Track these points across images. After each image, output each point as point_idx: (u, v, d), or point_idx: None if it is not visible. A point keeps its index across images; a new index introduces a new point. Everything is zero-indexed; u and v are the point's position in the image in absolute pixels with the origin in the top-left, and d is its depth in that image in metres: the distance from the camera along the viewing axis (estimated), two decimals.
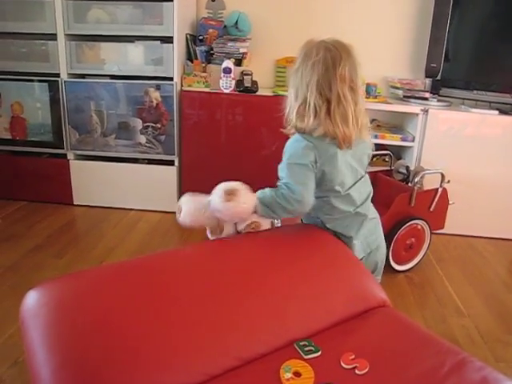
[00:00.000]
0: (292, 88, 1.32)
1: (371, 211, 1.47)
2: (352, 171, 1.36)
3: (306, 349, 1.04)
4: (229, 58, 2.65)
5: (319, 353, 1.03)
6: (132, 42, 2.64)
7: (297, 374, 0.96)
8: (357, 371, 0.97)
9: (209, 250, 1.30)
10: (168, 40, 2.59)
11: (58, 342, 0.93)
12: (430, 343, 1.07)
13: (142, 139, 2.74)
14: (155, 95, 2.65)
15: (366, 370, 0.97)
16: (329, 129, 1.26)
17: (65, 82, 2.68)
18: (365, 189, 1.44)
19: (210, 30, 2.77)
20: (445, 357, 1.03)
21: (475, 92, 2.81)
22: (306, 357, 1.02)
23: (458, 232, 2.78)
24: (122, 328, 0.97)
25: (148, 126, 2.71)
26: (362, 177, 1.42)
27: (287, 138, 2.71)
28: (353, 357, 1.00)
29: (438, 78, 2.82)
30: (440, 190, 2.30)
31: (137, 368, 0.91)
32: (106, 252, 2.36)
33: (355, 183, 1.38)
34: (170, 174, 2.79)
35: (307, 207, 1.31)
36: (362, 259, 1.41)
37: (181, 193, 2.82)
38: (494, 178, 2.74)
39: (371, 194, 1.47)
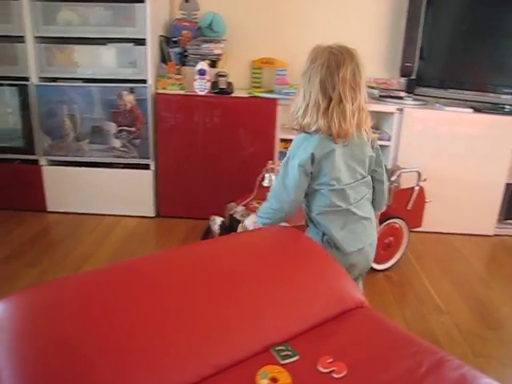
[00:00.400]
0: (301, 89, 1.42)
1: (366, 211, 1.50)
2: (349, 170, 1.43)
3: (283, 353, 1.02)
4: (203, 60, 2.62)
5: (296, 357, 1.01)
6: (104, 44, 2.59)
7: (273, 380, 0.94)
8: (334, 375, 0.95)
9: (185, 256, 1.27)
10: (141, 42, 2.55)
11: (23, 359, 0.88)
12: (408, 343, 1.06)
13: (117, 143, 2.69)
14: (129, 98, 2.61)
15: (344, 373, 0.96)
16: (326, 124, 1.35)
17: (35, 85, 2.61)
18: (362, 189, 1.48)
19: (184, 32, 2.74)
20: (423, 357, 1.02)
21: (450, 91, 2.84)
22: (282, 362, 0.99)
23: (435, 229, 2.80)
24: (92, 341, 0.93)
25: (122, 130, 2.66)
26: (364, 177, 1.48)
27: (265, 139, 2.72)
28: (330, 360, 0.99)
29: (413, 77, 2.84)
30: (417, 188, 2.31)
31: (109, 379, 0.88)
32: (81, 259, 2.30)
33: (353, 182, 1.44)
34: (146, 178, 2.75)
35: (296, 205, 1.44)
36: (352, 253, 1.43)
37: (158, 197, 2.79)
38: (470, 175, 2.77)
39: (368, 195, 1.51)
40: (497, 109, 2.83)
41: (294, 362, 1.00)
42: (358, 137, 1.42)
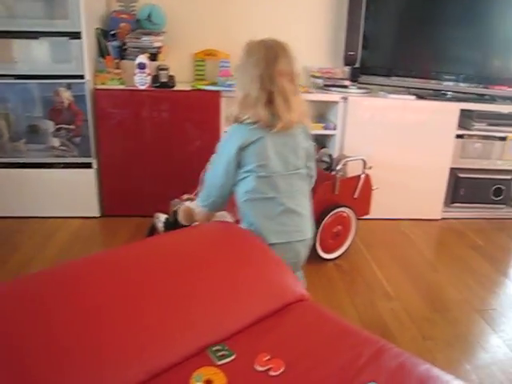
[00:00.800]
0: (237, 83, 1.48)
1: (300, 206, 1.49)
2: (281, 159, 1.43)
3: (219, 354, 0.98)
4: (143, 53, 2.53)
5: (233, 357, 0.97)
6: (36, 38, 2.46)
7: (208, 382, 0.90)
8: (271, 373, 0.93)
9: (116, 259, 1.21)
10: (76, 36, 2.42)
11: None
12: (348, 335, 1.04)
13: (56, 142, 2.57)
14: (66, 95, 2.49)
15: (281, 370, 0.93)
16: (268, 117, 1.39)
17: None
18: (297, 182, 1.48)
19: (122, 24, 2.64)
20: (362, 347, 1.00)
21: (393, 78, 2.87)
22: (218, 362, 0.96)
23: (384, 216, 2.84)
24: (31, 342, 0.87)
25: (61, 128, 2.54)
26: (298, 169, 1.48)
27: (210, 132, 2.66)
28: (268, 358, 0.96)
29: (357, 65, 2.85)
30: (362, 176, 2.32)
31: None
32: (20, 265, 2.18)
33: (285, 172, 1.44)
34: (89, 177, 2.64)
35: (224, 192, 1.48)
36: (275, 245, 1.40)
37: (102, 196, 2.69)
38: (416, 161, 2.81)
39: (303, 190, 1.52)
40: (439, 95, 2.89)
41: (230, 361, 0.96)
42: (294, 127, 1.44)
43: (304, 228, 1.49)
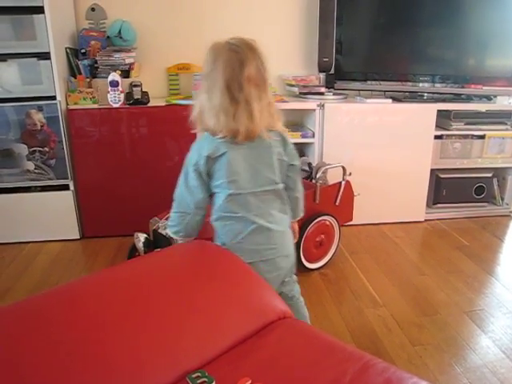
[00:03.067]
0: (203, 89, 1.35)
1: (275, 222, 1.40)
2: (253, 174, 1.34)
3: (199, 381, 0.94)
4: (115, 71, 2.50)
5: (213, 383, 0.93)
6: (4, 60, 2.41)
7: None
8: None
9: (91, 286, 1.16)
10: (45, 56, 2.38)
11: None
12: (332, 352, 1.01)
13: (30, 166, 2.51)
14: (38, 117, 2.44)
15: None
16: (233, 127, 1.29)
17: None
18: (271, 198, 1.39)
19: (93, 42, 2.60)
20: (347, 365, 0.97)
21: (369, 83, 2.87)
22: None
23: (368, 221, 2.82)
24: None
25: (35, 151, 2.49)
26: (274, 184, 1.38)
27: (188, 147, 2.61)
28: (249, 382, 0.92)
29: (332, 71, 2.84)
30: (343, 183, 2.30)
31: None
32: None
33: (258, 189, 1.35)
34: (66, 199, 2.58)
35: (200, 205, 1.38)
36: (249, 263, 1.33)
37: (81, 218, 2.63)
38: (397, 165, 2.81)
39: (279, 206, 1.42)
40: (416, 97, 2.89)
41: None
42: (266, 137, 1.34)
43: (280, 244, 1.41)
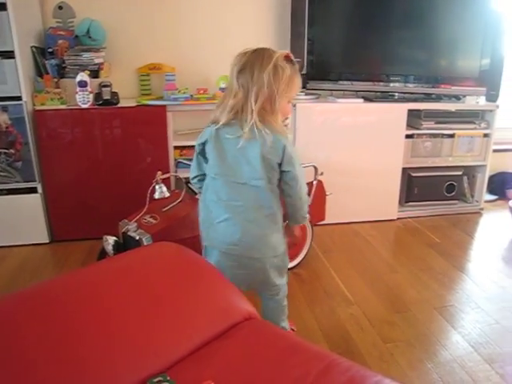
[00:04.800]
0: (256, 86, 1.35)
1: (251, 220, 1.42)
2: (234, 163, 1.39)
3: None
4: (83, 71, 2.45)
5: None
6: None
7: None
8: None
9: (51, 290, 1.13)
10: (9, 55, 2.32)
11: None
12: (297, 352, 1.00)
13: None
14: (3, 118, 2.37)
15: None
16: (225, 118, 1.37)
17: None
18: (247, 193, 1.41)
19: (60, 41, 2.55)
20: (311, 365, 0.96)
21: (341, 83, 2.88)
22: None
23: (340, 220, 2.84)
24: None
25: (0, 153, 2.42)
26: (253, 180, 1.39)
27: (159, 148, 2.59)
28: None
29: (304, 72, 2.85)
30: (315, 182, 2.30)
31: None
32: None
33: (234, 178, 1.40)
34: (34, 202, 2.52)
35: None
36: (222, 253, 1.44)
37: (50, 221, 2.58)
38: (369, 164, 2.83)
39: (255, 204, 1.43)
40: (387, 97, 2.92)
41: None
42: (259, 136, 1.35)
43: (251, 244, 1.44)
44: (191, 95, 2.58)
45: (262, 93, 1.33)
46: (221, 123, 1.37)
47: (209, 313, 1.07)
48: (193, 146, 2.73)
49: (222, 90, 2.61)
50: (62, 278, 1.22)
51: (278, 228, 1.51)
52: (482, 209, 3.20)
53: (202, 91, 2.60)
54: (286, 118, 1.54)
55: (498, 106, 2.98)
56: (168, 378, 0.93)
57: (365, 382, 0.92)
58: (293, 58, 1.42)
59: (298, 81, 1.44)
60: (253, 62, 1.36)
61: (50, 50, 2.54)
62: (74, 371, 0.91)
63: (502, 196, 3.39)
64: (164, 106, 2.49)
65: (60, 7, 2.63)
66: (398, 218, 3.00)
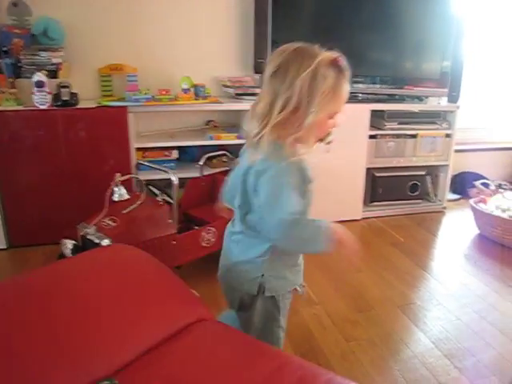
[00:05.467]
0: (286, 93, 1.09)
1: (237, 248, 1.24)
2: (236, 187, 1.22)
3: None
4: (40, 71, 2.38)
5: None
6: None
7: None
8: None
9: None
10: None
11: None
12: (248, 352, 0.98)
13: None
14: None
15: None
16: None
17: None
18: (237, 221, 1.25)
19: (15, 40, 2.46)
20: (262, 364, 0.95)
21: None
22: None
23: None
24: None
25: None
26: (239, 207, 1.22)
27: (120, 150, 2.54)
28: None
29: None
30: None
31: None
32: None
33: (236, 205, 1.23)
34: None
35: None
36: None
37: (7, 226, 2.49)
38: (334, 164, 2.77)
39: (241, 232, 1.24)
40: (351, 98, 2.93)
41: None
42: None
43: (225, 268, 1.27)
44: (153, 96, 2.54)
45: (290, 103, 1.08)
46: None
47: (159, 315, 1.05)
48: (156, 148, 2.67)
49: (185, 91, 2.58)
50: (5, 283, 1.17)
51: None
52: (444, 208, 3.26)
53: (164, 92, 2.56)
54: (326, 136, 1.28)
55: (458, 107, 3.05)
56: (115, 382, 0.90)
57: (316, 380, 0.91)
58: (342, 62, 1.16)
59: (345, 92, 1.19)
60: (289, 63, 1.12)
61: (4, 48, 2.45)
62: (20, 374, 0.87)
63: (465, 195, 3.46)
64: (125, 107, 2.44)
65: (15, 4, 2.54)
66: (363, 218, 3.03)
